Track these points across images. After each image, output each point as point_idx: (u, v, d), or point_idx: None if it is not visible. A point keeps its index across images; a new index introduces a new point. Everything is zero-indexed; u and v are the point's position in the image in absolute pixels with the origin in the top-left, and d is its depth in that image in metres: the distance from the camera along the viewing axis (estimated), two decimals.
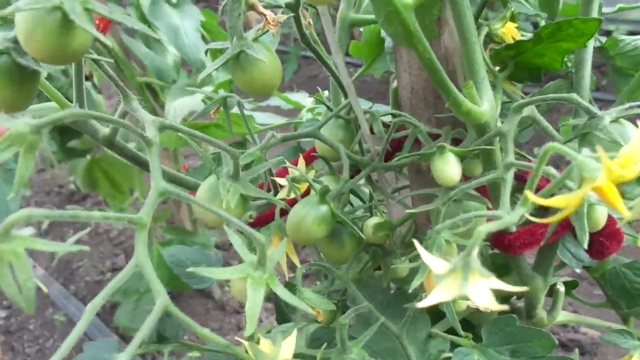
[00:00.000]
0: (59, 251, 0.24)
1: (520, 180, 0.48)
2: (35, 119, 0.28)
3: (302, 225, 0.40)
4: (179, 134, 0.43)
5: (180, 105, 1.04)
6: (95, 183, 1.24)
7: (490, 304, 0.21)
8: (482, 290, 0.22)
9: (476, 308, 0.45)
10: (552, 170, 0.29)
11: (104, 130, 0.45)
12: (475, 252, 0.22)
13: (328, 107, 0.52)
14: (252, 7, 0.33)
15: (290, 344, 0.33)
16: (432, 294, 0.22)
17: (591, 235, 0.44)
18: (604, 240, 0.43)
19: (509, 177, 0.35)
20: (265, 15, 0.33)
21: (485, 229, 0.22)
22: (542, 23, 0.55)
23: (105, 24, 0.98)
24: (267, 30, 0.37)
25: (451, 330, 0.47)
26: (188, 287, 1.48)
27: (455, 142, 0.45)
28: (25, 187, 1.59)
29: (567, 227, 0.44)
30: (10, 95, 0.32)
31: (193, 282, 0.58)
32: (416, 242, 0.24)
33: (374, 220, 0.43)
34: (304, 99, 1.00)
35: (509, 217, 0.24)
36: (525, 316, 0.54)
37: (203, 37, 1.17)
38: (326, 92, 1.03)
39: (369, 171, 0.46)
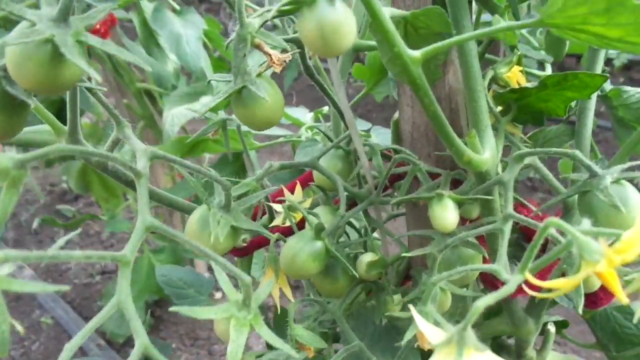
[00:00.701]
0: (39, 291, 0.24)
1: (528, 235, 0.48)
2: (19, 154, 0.27)
3: (296, 260, 0.39)
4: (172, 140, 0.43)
5: (179, 114, 1.03)
6: (88, 185, 1.23)
7: None
8: None
9: None
10: (554, 234, 0.28)
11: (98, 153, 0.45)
12: (470, 326, 0.22)
13: (328, 138, 0.52)
14: (257, 47, 0.32)
15: None
16: None
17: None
18: (599, 292, 0.43)
19: (507, 228, 0.35)
20: (270, 55, 0.33)
21: (483, 303, 0.22)
22: (548, 67, 0.55)
23: (106, 29, 0.97)
24: (271, 67, 0.36)
25: None
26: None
27: (455, 182, 0.45)
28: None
29: (561, 275, 0.44)
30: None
31: (183, 303, 0.58)
32: (412, 309, 0.24)
33: (367, 258, 0.43)
34: (304, 115, 1.00)
35: (507, 287, 0.24)
36: (515, 355, 0.54)
37: (204, 45, 1.17)
38: (326, 108, 1.03)
39: (365, 205, 0.45)
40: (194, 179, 0.39)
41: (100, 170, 0.47)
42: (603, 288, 0.42)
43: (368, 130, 0.80)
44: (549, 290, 0.22)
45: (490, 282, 0.44)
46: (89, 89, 0.37)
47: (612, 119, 0.46)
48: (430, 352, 0.50)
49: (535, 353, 0.55)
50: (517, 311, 0.47)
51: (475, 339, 0.22)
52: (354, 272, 0.41)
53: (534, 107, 0.43)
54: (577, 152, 0.34)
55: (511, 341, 0.57)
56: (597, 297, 0.42)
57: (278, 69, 0.34)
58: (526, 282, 0.26)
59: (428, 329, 0.23)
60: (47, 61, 0.28)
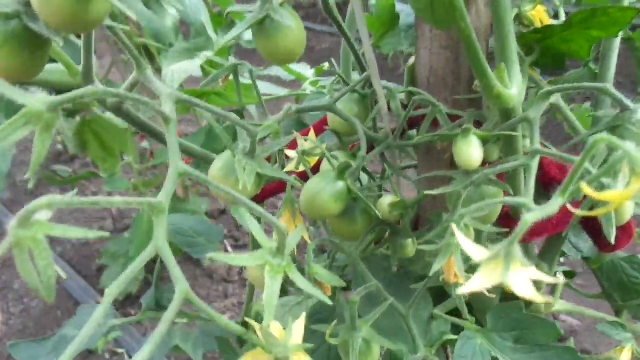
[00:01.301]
0: (82, 237, 0.23)
1: (545, 184, 0.48)
2: (51, 97, 0.26)
3: (317, 200, 0.39)
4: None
5: (178, 70, 1.01)
6: (85, 145, 1.21)
7: (530, 294, 0.21)
8: (522, 280, 0.21)
9: (480, 292, 0.45)
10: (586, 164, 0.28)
11: (111, 99, 0.44)
12: (517, 242, 0.22)
13: (345, 81, 0.50)
14: None
15: (299, 327, 0.32)
16: (473, 280, 0.21)
17: (602, 228, 0.44)
18: (618, 233, 0.43)
19: (535, 164, 0.34)
20: None
21: (532, 217, 0.22)
22: (562, 13, 0.54)
23: None
24: None
25: (451, 313, 0.48)
26: (178, 254, 1.47)
27: (475, 124, 0.44)
28: (11, 145, 1.55)
29: (577, 217, 0.44)
30: (20, 63, 0.30)
31: (193, 251, 0.57)
32: (454, 227, 0.23)
33: (389, 199, 0.43)
34: (306, 71, 0.98)
35: (551, 207, 0.24)
36: (524, 303, 0.55)
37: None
38: (326, 64, 1.01)
39: (383, 148, 0.45)
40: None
41: (115, 113, 0.45)
42: (619, 229, 0.42)
43: None
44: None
45: (509, 225, 0.44)
46: (110, 28, 0.36)
47: (636, 62, 0.46)
48: (442, 295, 0.50)
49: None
50: (532, 256, 0.47)
51: (521, 255, 0.22)
52: (377, 212, 0.41)
53: (557, 49, 0.42)
54: (608, 86, 0.33)
55: None
56: (616, 239, 0.43)
57: None
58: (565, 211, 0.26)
59: (471, 247, 0.22)
60: None
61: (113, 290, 0.23)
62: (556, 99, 0.40)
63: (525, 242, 0.45)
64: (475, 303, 0.51)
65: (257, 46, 0.37)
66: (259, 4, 0.36)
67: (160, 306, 0.60)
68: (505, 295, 0.56)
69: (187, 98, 0.33)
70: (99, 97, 0.31)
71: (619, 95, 0.33)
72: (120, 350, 1.31)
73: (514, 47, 0.36)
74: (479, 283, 0.21)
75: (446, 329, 0.46)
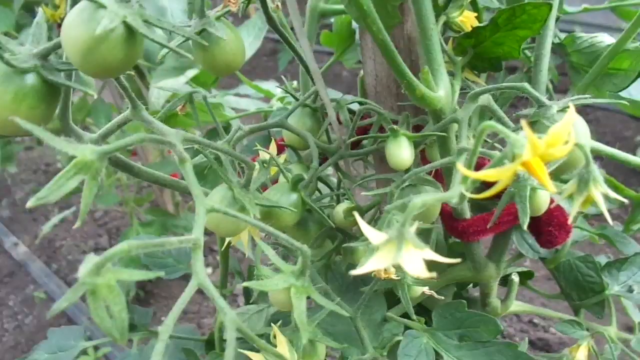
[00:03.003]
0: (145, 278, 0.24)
1: (490, 186, 0.50)
2: (98, 147, 0.26)
3: (274, 212, 0.40)
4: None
5: (164, 87, 1.03)
6: None
7: (421, 273, 0.22)
8: (414, 260, 0.22)
9: (430, 294, 0.46)
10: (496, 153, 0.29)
11: (91, 135, 0.44)
12: (409, 223, 0.23)
13: (294, 97, 0.52)
14: None
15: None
16: (367, 262, 0.22)
17: (541, 225, 0.46)
18: (553, 230, 0.44)
19: (461, 161, 0.36)
20: None
21: (421, 199, 0.23)
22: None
23: None
24: (229, 10, 0.37)
25: (406, 315, 0.48)
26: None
27: (416, 128, 0.46)
28: (12, 164, 1.56)
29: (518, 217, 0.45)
30: (39, 115, 0.30)
31: (166, 271, 0.58)
32: (357, 215, 0.24)
33: (344, 206, 0.44)
34: (275, 88, 1.00)
35: (449, 192, 0.25)
36: (481, 305, 0.55)
37: (190, 18, 1.16)
38: (295, 82, 1.04)
39: (336, 159, 0.46)
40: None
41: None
42: (556, 225, 0.43)
43: None
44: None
45: (450, 224, 0.45)
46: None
47: (567, 67, 0.48)
48: (396, 298, 0.51)
49: (500, 302, 0.56)
50: (479, 256, 0.48)
51: (416, 237, 0.23)
52: (329, 221, 0.42)
53: (491, 52, 0.44)
54: (526, 85, 0.35)
55: (476, 294, 0.58)
56: (551, 236, 0.44)
57: (234, 8, 0.35)
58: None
59: (371, 232, 0.23)
60: (122, 42, 0.28)
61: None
62: (487, 100, 0.41)
63: (469, 241, 0.46)
64: (428, 305, 0.52)
65: (195, 58, 0.38)
66: (196, 19, 0.38)
67: (132, 326, 0.60)
68: (460, 298, 0.57)
69: (192, 137, 0.34)
70: (149, 142, 0.31)
71: (535, 93, 0.34)
72: None
73: (438, 50, 0.37)
74: (374, 264, 0.22)
75: (398, 331, 0.47)
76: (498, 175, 0.22)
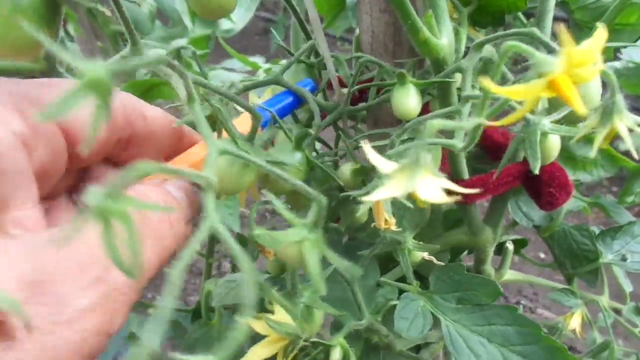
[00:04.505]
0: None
1: (489, 150, 0.48)
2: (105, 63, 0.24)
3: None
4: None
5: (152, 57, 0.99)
6: None
7: (438, 198, 0.20)
8: (430, 186, 0.20)
9: (429, 260, 0.45)
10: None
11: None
12: (424, 150, 0.21)
13: (289, 52, 0.50)
14: None
15: None
16: (381, 189, 0.21)
17: (542, 186, 0.44)
18: (554, 191, 0.43)
19: (465, 109, 0.34)
20: None
21: (437, 124, 0.21)
22: None
23: None
24: None
25: (401, 281, 0.47)
26: None
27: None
28: None
29: (518, 178, 0.44)
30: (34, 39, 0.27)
31: None
32: (366, 146, 0.22)
33: (349, 166, 0.42)
34: (262, 62, 0.98)
35: (465, 122, 0.23)
36: (474, 272, 0.54)
37: None
38: (284, 61, 1.01)
39: (336, 115, 0.44)
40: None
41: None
42: (557, 186, 0.42)
43: None
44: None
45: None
46: (91, 14, 0.33)
47: (571, 24, 0.46)
48: (391, 264, 0.49)
49: (494, 271, 0.55)
50: (476, 220, 0.47)
51: (431, 163, 0.21)
52: (338, 179, 0.40)
53: (494, 5, 0.43)
54: (534, 29, 0.33)
55: (470, 263, 0.57)
56: (552, 197, 0.43)
57: None
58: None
59: (379, 160, 0.21)
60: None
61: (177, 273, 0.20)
62: (491, 53, 0.40)
63: (467, 203, 0.45)
64: (424, 271, 0.50)
65: (189, 2, 0.36)
66: None
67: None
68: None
69: (199, 79, 0.31)
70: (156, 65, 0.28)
71: (544, 37, 0.33)
72: None
73: None
74: (386, 192, 0.20)
75: (393, 296, 0.46)
76: (525, 92, 0.20)
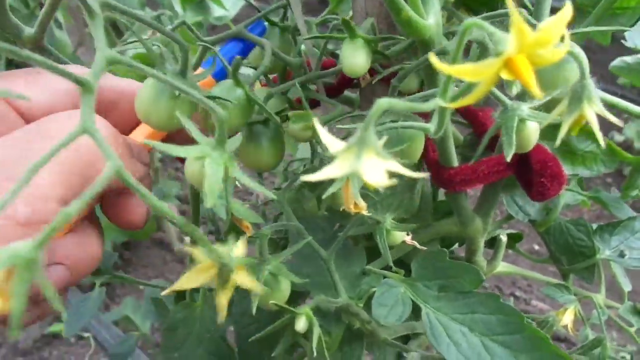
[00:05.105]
0: None
1: (479, 135, 0.47)
2: None
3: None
4: None
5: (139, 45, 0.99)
6: None
7: (380, 181, 0.19)
8: (375, 168, 0.20)
9: (412, 244, 0.44)
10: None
11: (29, 29, 0.42)
12: (372, 127, 0.20)
13: (255, 8, 0.48)
14: None
15: (242, 246, 0.31)
16: (326, 169, 0.20)
17: (533, 176, 0.43)
18: (545, 181, 0.41)
19: (428, 106, 0.33)
20: None
21: (385, 103, 0.20)
22: None
23: None
24: None
25: (386, 270, 0.46)
26: (145, 237, 1.44)
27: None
28: None
29: (508, 168, 0.43)
30: None
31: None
32: (315, 122, 0.22)
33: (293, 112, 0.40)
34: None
35: (427, 105, 0.22)
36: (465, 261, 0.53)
37: None
38: None
39: (304, 79, 0.42)
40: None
41: (32, 49, 0.44)
42: (549, 176, 0.41)
43: None
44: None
45: (436, 171, 0.43)
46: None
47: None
48: (378, 253, 0.48)
49: (486, 263, 0.54)
50: (465, 209, 0.46)
51: (380, 146, 0.20)
52: (282, 127, 0.38)
53: None
54: (522, 10, 0.32)
55: (462, 255, 0.56)
56: (544, 187, 0.41)
57: None
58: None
59: (329, 139, 0.21)
60: None
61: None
62: (482, 37, 0.38)
63: (456, 191, 0.44)
64: (410, 260, 0.50)
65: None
66: None
67: (96, 270, 0.58)
68: None
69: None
70: None
71: (531, 19, 0.31)
72: (86, 335, 1.29)
73: None
74: (329, 171, 0.20)
75: (376, 284, 0.45)
76: (476, 71, 0.19)
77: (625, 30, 0.39)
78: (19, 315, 0.16)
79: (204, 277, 0.23)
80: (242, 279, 0.23)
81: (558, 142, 0.23)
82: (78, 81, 0.22)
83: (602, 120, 0.28)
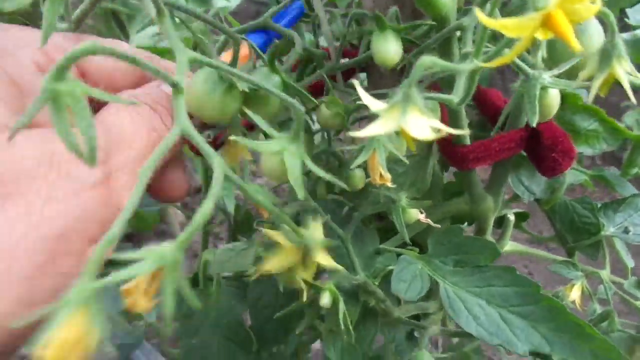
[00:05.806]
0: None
1: (491, 117, 0.47)
2: None
3: (258, 98, 0.36)
4: None
5: (143, 36, 0.99)
6: None
7: (426, 135, 0.20)
8: (419, 124, 0.20)
9: (426, 222, 0.44)
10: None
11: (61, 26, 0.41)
12: (414, 85, 0.21)
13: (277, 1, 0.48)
14: None
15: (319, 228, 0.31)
16: (371, 127, 0.20)
17: (544, 151, 0.44)
18: (557, 156, 0.42)
19: (464, 68, 0.33)
20: None
21: (428, 60, 0.21)
22: None
23: None
24: None
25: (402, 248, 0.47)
26: (148, 228, 1.43)
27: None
28: None
29: (520, 144, 0.44)
30: None
31: None
32: (356, 83, 0.22)
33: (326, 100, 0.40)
34: None
35: (463, 65, 0.23)
36: None
37: None
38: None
39: (326, 70, 0.43)
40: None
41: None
42: (560, 151, 0.42)
43: None
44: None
45: (449, 150, 0.43)
46: None
47: None
48: (391, 233, 0.49)
49: (495, 242, 0.55)
50: (477, 188, 0.47)
51: (421, 102, 0.21)
52: (313, 100, 0.39)
53: None
54: None
55: (470, 234, 0.57)
56: (555, 162, 0.42)
57: None
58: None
59: (369, 99, 0.21)
60: None
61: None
62: (495, 11, 0.39)
63: (468, 169, 0.44)
64: (423, 239, 0.50)
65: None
66: None
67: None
68: None
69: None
70: None
71: None
72: None
73: None
74: (375, 129, 0.20)
75: (391, 262, 0.46)
76: (518, 26, 0.19)
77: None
78: (171, 313, 0.17)
79: (288, 259, 0.24)
80: (323, 259, 0.24)
81: (590, 98, 0.24)
82: (174, 84, 0.22)
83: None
